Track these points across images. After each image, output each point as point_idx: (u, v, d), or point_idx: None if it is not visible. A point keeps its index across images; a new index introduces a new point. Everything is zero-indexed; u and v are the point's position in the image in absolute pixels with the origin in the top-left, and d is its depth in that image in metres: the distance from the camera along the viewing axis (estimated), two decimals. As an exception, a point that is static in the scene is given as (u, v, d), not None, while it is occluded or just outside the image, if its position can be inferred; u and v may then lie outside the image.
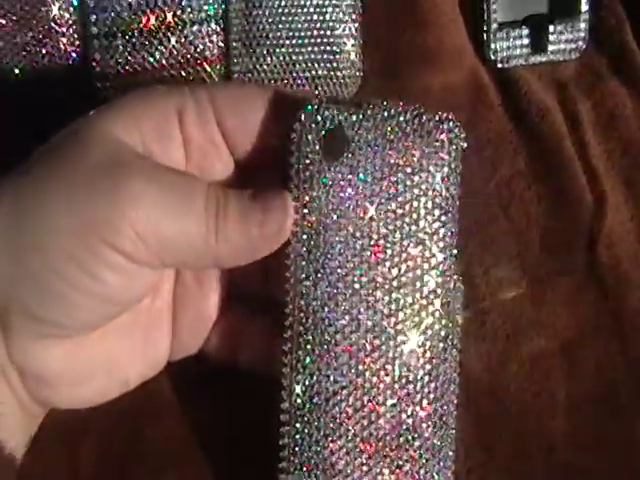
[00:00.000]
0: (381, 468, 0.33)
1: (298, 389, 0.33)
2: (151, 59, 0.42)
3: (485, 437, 0.39)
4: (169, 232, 0.31)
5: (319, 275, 0.32)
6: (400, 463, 0.33)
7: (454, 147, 0.34)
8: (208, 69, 0.43)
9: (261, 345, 0.36)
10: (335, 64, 0.44)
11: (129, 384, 0.35)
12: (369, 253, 0.33)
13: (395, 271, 0.33)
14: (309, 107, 0.32)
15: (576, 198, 0.46)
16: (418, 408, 0.33)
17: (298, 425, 0.33)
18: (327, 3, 0.44)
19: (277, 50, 0.44)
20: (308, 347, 0.32)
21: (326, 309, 0.32)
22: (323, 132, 0.32)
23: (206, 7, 0.43)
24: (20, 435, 0.33)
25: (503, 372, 0.41)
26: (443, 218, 0.34)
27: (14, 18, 0.41)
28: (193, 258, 0.32)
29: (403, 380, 0.33)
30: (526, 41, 0.49)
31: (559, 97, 0.49)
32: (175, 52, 0.42)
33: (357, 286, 0.33)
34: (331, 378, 0.32)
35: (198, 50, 0.43)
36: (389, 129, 0.33)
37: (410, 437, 0.33)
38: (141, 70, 0.42)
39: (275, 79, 0.44)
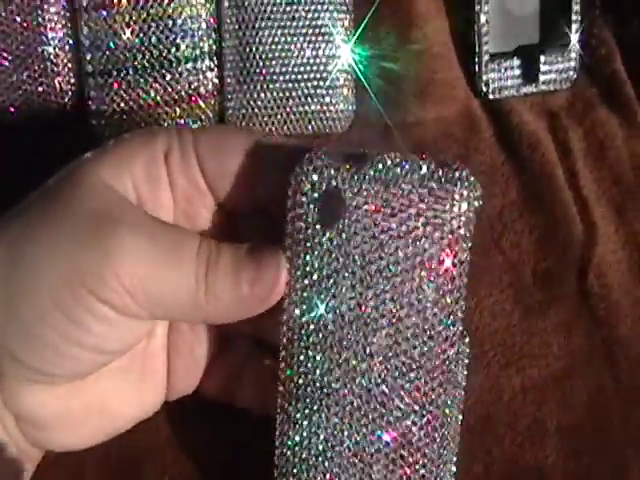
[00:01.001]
0: None
1: (289, 442, 0.32)
2: (146, 96, 0.43)
3: (477, 468, 0.40)
4: (157, 288, 0.30)
5: (313, 339, 0.31)
6: None
7: (468, 212, 0.30)
8: (203, 105, 0.44)
9: (258, 388, 0.36)
10: (328, 99, 0.45)
11: (124, 426, 0.35)
12: (365, 319, 0.31)
13: (392, 339, 0.31)
14: (303, 166, 0.30)
15: (567, 228, 0.46)
16: (414, 469, 0.32)
17: (290, 477, 0.33)
18: (320, 39, 0.45)
19: (271, 86, 0.44)
20: (299, 406, 0.32)
21: (318, 372, 0.32)
22: (317, 195, 0.30)
23: (200, 44, 0.44)
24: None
25: (495, 403, 0.41)
26: (448, 286, 0.31)
27: (10, 57, 0.42)
28: (182, 314, 0.32)
29: (397, 443, 0.32)
30: (517, 72, 0.50)
31: (550, 126, 0.50)
32: (170, 89, 0.43)
33: (352, 352, 0.31)
34: (321, 437, 0.32)
35: (192, 87, 0.44)
36: (393, 192, 0.30)
37: None
38: (136, 108, 0.43)
39: (269, 114, 0.45)
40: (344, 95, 0.45)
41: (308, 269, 0.31)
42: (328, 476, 0.32)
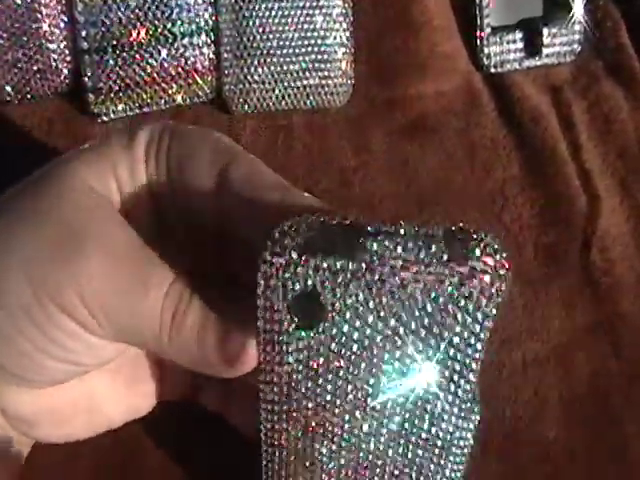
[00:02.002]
0: None
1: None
2: (142, 73, 0.43)
3: (476, 443, 0.39)
4: (120, 318, 0.28)
5: (289, 425, 0.28)
6: None
7: (489, 305, 0.25)
8: (200, 81, 0.44)
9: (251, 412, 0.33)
10: (326, 73, 0.45)
11: (116, 423, 0.35)
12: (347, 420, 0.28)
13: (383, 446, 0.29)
14: (271, 257, 0.24)
15: (569, 201, 0.46)
16: None
17: None
18: (317, 12, 0.44)
19: (268, 60, 0.44)
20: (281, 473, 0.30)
21: (293, 456, 0.29)
22: (289, 297, 0.24)
23: (197, 19, 0.43)
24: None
25: (496, 378, 0.41)
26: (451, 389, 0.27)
27: (5, 35, 0.42)
28: (148, 348, 0.30)
29: None
30: (520, 45, 0.50)
31: (553, 100, 0.49)
32: (166, 65, 0.43)
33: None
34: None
35: (189, 62, 0.43)
36: (390, 288, 0.24)
37: None
38: (132, 85, 0.43)
39: (266, 89, 0.45)
40: (342, 69, 0.45)
41: (283, 370, 0.27)
42: None
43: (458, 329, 0.25)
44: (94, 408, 0.34)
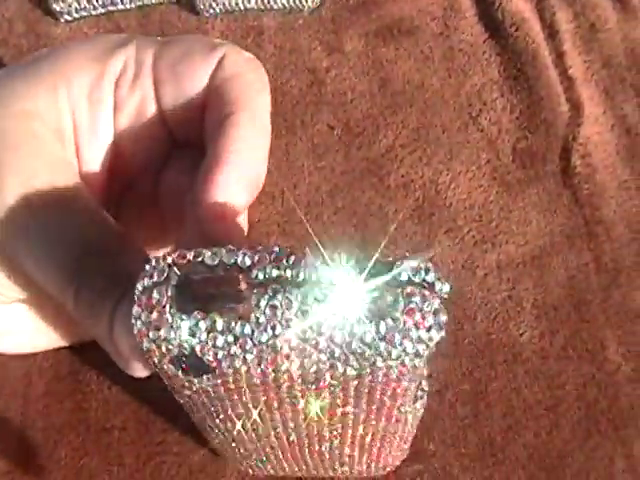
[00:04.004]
0: None
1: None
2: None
3: (447, 343, 0.38)
4: (28, 268, 0.27)
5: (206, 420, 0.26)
6: None
7: (415, 360, 0.21)
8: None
9: None
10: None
11: (60, 343, 0.35)
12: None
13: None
14: (136, 308, 0.20)
15: (550, 106, 0.44)
16: None
17: None
18: None
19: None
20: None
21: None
22: (167, 358, 0.21)
23: None
24: None
25: (469, 279, 0.40)
26: None
27: None
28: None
29: None
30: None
31: (537, 6, 0.48)
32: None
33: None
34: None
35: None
36: (275, 355, 0.20)
37: None
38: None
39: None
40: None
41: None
42: None
43: (381, 364, 0.21)
44: (14, 331, 0.33)
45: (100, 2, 0.43)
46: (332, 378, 0.21)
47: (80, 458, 0.35)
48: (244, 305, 0.20)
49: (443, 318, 0.20)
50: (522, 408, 0.37)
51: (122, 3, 0.44)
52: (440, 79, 0.45)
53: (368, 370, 0.21)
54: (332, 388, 0.22)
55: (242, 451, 0.29)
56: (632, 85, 0.46)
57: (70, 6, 0.43)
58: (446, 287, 0.21)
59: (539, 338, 0.39)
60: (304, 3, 0.45)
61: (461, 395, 0.37)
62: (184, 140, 0.31)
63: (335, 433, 0.26)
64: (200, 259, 0.20)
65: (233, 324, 0.19)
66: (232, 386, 0.22)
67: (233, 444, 0.28)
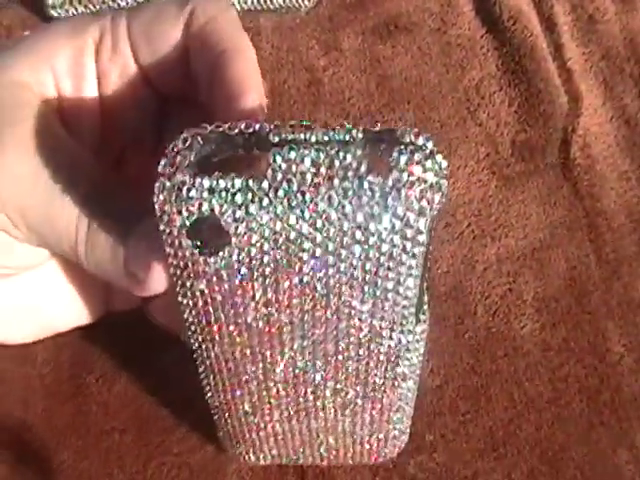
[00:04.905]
0: None
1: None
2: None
3: (448, 338, 0.38)
4: (38, 227, 0.28)
5: (214, 345, 0.26)
6: None
7: (419, 221, 0.21)
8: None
9: None
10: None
11: (58, 328, 0.34)
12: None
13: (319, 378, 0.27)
14: (161, 177, 0.21)
15: (549, 99, 0.44)
16: None
17: None
18: None
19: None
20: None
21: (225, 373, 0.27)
22: (188, 222, 0.22)
23: None
24: None
25: (469, 273, 0.40)
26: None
27: None
28: (67, 257, 0.29)
29: None
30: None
31: (534, 0, 0.48)
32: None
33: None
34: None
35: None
36: (292, 211, 0.21)
37: None
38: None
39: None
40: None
41: (198, 289, 0.24)
42: None
43: (385, 248, 0.22)
44: (37, 311, 0.33)
45: (97, 8, 0.44)
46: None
47: (81, 461, 0.35)
48: (261, 167, 0.21)
49: (444, 182, 0.21)
50: (524, 401, 0.37)
51: (119, 5, 0.44)
52: (438, 75, 0.45)
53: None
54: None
55: (245, 409, 0.29)
56: (631, 76, 0.46)
57: (67, 12, 0.44)
58: (444, 163, 0.21)
59: (540, 331, 0.39)
60: (301, 2, 0.45)
61: (462, 389, 0.37)
62: (175, 95, 0.32)
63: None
64: (220, 129, 0.22)
65: (251, 182, 0.21)
66: (243, 270, 0.23)
67: (238, 392, 0.28)
